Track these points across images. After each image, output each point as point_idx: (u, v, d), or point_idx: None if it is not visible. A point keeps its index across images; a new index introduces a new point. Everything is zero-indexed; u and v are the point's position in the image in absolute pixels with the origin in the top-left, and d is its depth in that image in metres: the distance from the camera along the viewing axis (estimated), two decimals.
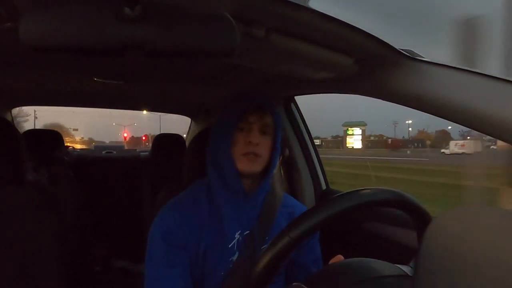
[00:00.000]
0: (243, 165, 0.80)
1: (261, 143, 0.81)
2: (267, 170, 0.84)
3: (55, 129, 2.21)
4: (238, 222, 0.81)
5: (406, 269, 0.52)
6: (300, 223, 0.49)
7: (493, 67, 0.65)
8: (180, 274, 0.78)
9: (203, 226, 0.80)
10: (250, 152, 0.80)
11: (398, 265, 0.53)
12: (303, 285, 0.48)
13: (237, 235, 0.81)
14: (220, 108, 0.87)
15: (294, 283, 0.49)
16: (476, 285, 0.28)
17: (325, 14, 0.58)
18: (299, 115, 1.59)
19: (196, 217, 0.81)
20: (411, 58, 0.72)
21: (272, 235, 0.51)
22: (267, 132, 0.83)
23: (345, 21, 0.61)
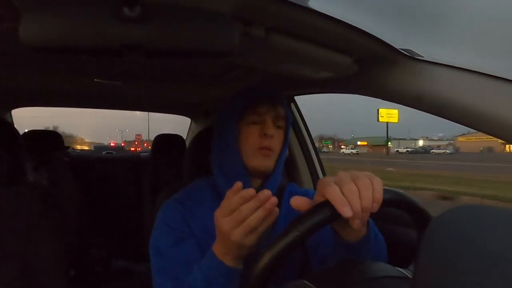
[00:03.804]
0: (257, 161, 0.74)
1: (275, 136, 0.75)
2: (275, 167, 0.78)
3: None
4: None
5: (405, 272, 0.52)
6: (306, 218, 0.48)
7: (494, 66, 0.65)
8: (189, 250, 0.71)
9: (208, 223, 0.77)
10: (266, 146, 0.73)
11: (398, 268, 0.53)
12: (306, 282, 0.48)
13: None
14: (222, 104, 0.81)
15: (297, 281, 0.49)
16: (477, 285, 0.28)
17: (325, 14, 0.58)
18: (299, 115, 1.59)
19: (201, 213, 0.77)
20: (410, 58, 0.72)
21: (277, 230, 0.49)
22: (280, 125, 0.78)
23: (345, 20, 0.61)
